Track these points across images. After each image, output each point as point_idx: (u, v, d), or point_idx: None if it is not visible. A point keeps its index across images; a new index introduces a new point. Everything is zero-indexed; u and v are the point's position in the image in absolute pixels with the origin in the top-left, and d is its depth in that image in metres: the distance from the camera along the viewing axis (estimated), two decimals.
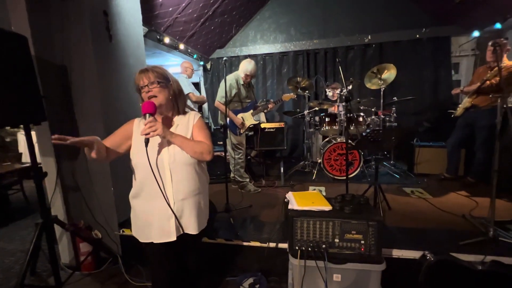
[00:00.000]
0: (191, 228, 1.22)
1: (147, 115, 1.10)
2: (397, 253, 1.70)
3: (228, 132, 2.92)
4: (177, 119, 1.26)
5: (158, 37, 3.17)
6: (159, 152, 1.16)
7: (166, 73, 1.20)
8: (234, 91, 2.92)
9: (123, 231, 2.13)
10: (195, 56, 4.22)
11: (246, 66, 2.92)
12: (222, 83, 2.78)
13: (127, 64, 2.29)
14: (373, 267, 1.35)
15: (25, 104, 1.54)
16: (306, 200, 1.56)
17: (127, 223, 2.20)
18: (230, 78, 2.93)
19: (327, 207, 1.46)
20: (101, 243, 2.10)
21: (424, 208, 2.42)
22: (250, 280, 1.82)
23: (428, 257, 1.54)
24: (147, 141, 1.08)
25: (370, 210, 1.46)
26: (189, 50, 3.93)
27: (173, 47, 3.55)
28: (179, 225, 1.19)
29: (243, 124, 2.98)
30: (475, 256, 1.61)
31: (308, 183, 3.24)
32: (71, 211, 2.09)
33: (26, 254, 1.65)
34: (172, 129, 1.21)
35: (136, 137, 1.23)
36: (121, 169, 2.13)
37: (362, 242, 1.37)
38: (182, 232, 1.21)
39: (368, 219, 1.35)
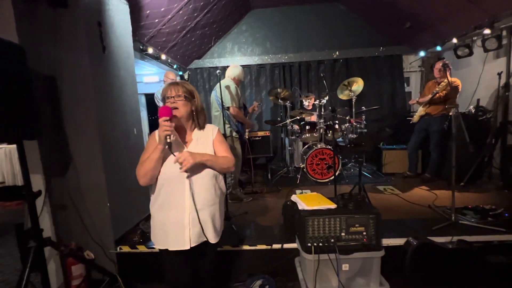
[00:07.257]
0: (209, 237, 1.28)
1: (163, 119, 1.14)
2: (386, 242, 1.96)
3: (235, 143, 2.88)
4: (197, 133, 1.34)
5: (141, 47, 3.11)
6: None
7: (193, 91, 1.32)
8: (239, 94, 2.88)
9: (120, 249, 2.03)
10: (175, 66, 4.20)
11: (237, 71, 2.92)
12: (220, 90, 2.59)
13: (119, 75, 2.24)
14: (375, 254, 1.57)
15: (20, 119, 1.44)
16: (312, 201, 1.73)
17: (124, 240, 2.10)
18: (230, 82, 2.86)
19: (333, 205, 1.65)
20: (94, 264, 1.98)
21: (397, 202, 2.81)
22: (259, 282, 1.90)
23: (411, 242, 1.83)
24: (170, 145, 1.13)
25: (368, 205, 1.70)
26: (169, 61, 3.91)
27: (154, 57, 3.50)
28: (202, 232, 1.24)
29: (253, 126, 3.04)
30: (445, 238, 1.95)
31: (294, 187, 3.44)
32: (61, 232, 1.93)
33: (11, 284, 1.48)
34: (192, 144, 1.31)
35: None
36: (117, 181, 2.06)
37: (364, 233, 1.58)
38: (204, 239, 1.26)
39: (369, 212, 1.57)
